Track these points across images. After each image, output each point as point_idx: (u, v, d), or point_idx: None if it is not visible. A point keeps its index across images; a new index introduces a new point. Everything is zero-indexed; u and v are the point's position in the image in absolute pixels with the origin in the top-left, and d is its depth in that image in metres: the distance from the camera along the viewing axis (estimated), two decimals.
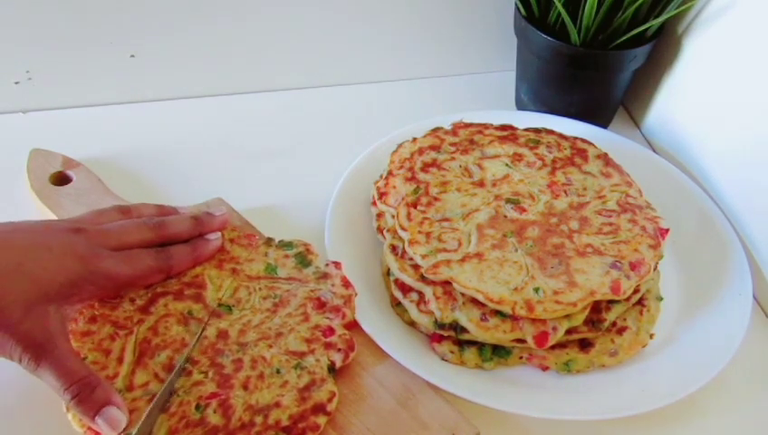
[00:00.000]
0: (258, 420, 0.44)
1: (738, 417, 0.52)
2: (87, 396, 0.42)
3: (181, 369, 0.47)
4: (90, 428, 0.43)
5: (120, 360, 0.47)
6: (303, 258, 0.54)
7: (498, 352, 0.52)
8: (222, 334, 0.49)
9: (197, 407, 0.45)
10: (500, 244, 0.54)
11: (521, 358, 0.52)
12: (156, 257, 0.50)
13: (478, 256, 0.52)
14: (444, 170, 0.60)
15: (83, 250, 0.46)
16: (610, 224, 0.56)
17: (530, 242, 0.54)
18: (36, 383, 0.43)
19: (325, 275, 0.53)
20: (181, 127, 0.72)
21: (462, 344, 0.52)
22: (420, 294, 0.53)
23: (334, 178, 0.63)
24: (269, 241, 0.56)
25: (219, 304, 0.51)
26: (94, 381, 0.43)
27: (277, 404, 0.45)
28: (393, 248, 0.55)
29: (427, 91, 0.80)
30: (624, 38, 0.66)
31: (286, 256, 0.55)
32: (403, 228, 0.55)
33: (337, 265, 0.54)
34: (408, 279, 0.53)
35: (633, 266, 0.52)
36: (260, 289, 0.52)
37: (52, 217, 0.57)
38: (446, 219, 0.56)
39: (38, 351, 0.42)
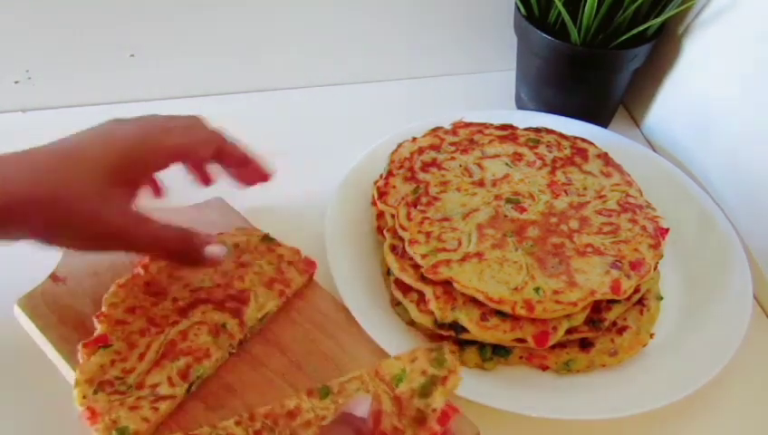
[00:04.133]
0: None
1: (738, 417, 0.52)
2: (188, 252, 0.46)
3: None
4: (88, 407, 0.43)
5: (142, 356, 0.46)
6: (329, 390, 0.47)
7: (498, 352, 0.52)
8: (291, 415, 0.44)
9: None
10: (500, 243, 0.54)
11: (521, 358, 0.52)
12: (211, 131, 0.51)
13: (478, 255, 0.52)
14: (444, 170, 0.60)
15: (133, 127, 0.48)
16: (610, 223, 0.56)
17: (530, 242, 0.54)
18: (34, 377, 0.43)
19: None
20: None
21: (462, 344, 0.52)
22: (420, 294, 0.53)
23: (334, 178, 0.62)
24: (267, 238, 0.56)
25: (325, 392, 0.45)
26: (188, 236, 0.47)
27: None
28: (393, 248, 0.55)
29: (426, 91, 0.80)
30: (624, 37, 0.66)
31: None
32: (403, 228, 0.55)
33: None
34: (408, 279, 0.53)
35: (633, 266, 0.52)
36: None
37: None
38: (446, 219, 0.56)
39: (128, 237, 0.45)
